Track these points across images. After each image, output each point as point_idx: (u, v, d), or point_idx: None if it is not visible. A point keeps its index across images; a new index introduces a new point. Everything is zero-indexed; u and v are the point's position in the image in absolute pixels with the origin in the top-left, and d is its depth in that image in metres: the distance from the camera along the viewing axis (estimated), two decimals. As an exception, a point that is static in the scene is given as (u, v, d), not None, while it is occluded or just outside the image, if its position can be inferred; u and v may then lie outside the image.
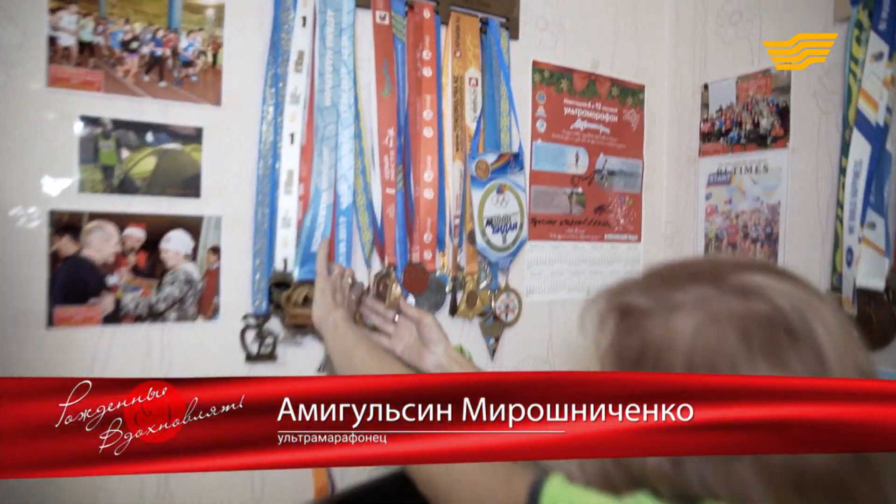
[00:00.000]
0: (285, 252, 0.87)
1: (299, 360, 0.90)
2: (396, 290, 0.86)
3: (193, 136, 0.83)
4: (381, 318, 0.87)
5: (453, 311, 1.01)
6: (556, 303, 1.15)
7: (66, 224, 0.75)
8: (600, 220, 1.20)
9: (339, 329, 0.74)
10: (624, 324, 0.42)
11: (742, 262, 0.42)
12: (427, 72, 0.98)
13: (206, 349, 0.84)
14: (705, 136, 1.20)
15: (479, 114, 1.03)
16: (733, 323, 0.37)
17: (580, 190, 1.17)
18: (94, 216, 0.76)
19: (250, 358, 0.86)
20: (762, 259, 0.44)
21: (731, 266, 0.41)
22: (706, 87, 1.20)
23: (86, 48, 0.76)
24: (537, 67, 1.13)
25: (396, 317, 0.85)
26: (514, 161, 1.06)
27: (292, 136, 0.87)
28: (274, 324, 0.87)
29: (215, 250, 0.84)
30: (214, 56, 0.84)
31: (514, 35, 1.09)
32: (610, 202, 1.22)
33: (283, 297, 0.85)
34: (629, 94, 1.25)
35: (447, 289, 1.00)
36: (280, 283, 0.86)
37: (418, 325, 0.82)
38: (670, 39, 1.29)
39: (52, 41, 0.74)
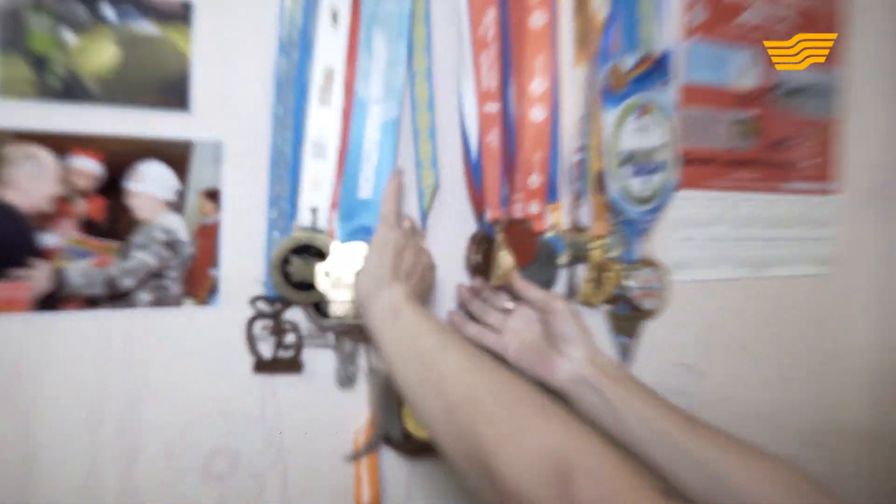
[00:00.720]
0: (315, 198, 0.55)
1: (333, 370, 0.59)
2: (506, 260, 0.53)
3: (178, 14, 0.53)
4: (482, 303, 0.57)
5: (571, 293, 0.68)
6: (713, 284, 0.79)
7: (-28, 148, 0.47)
8: (779, 160, 0.83)
9: (401, 315, 0.43)
10: None
11: None
12: (535, -77, 0.63)
13: (199, 352, 0.54)
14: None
15: (612, -7, 0.67)
16: None
17: (750, 115, 0.80)
18: (19, 136, 0.49)
19: (262, 366, 0.55)
20: None
21: None
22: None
23: None
24: (692, -72, 0.75)
25: (508, 302, 0.54)
26: (659, 68, 0.70)
27: (335, 15, 0.55)
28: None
29: (212, 195, 0.54)
30: None
31: None
32: (793, 134, 0.84)
33: (317, 274, 0.53)
34: (822, -27, 0.85)
35: (561, 260, 0.66)
36: (303, 249, 0.54)
37: (544, 315, 0.52)
38: None
39: None
